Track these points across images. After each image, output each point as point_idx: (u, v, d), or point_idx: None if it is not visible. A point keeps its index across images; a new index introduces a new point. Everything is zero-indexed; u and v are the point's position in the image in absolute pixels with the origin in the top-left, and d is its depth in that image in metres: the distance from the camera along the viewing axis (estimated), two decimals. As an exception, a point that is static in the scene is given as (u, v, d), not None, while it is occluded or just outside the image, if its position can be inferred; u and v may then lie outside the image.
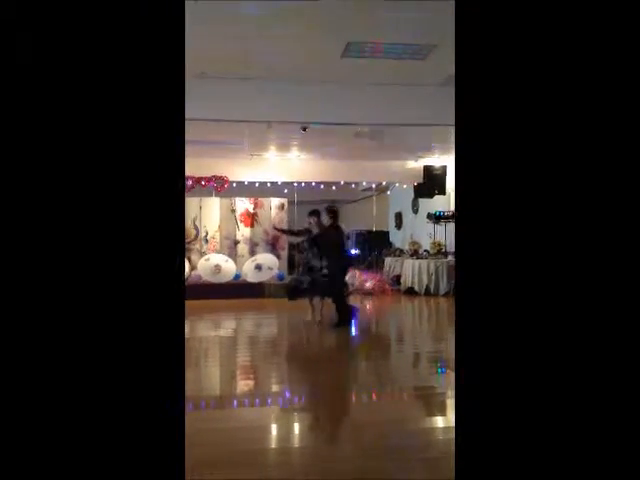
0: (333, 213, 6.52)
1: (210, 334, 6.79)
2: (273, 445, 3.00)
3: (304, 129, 7.09)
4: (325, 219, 6.51)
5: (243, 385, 4.48)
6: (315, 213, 6.52)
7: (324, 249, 6.33)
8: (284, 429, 3.25)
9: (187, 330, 7.14)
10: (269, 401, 3.79)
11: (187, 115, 6.30)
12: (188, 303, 7.80)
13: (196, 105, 6.39)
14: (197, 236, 10.11)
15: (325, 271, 6.28)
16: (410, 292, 9.86)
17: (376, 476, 2.49)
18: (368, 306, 8.84)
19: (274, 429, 3.26)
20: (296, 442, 3.06)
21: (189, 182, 9.97)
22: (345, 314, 6.35)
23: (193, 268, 9.70)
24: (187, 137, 6.83)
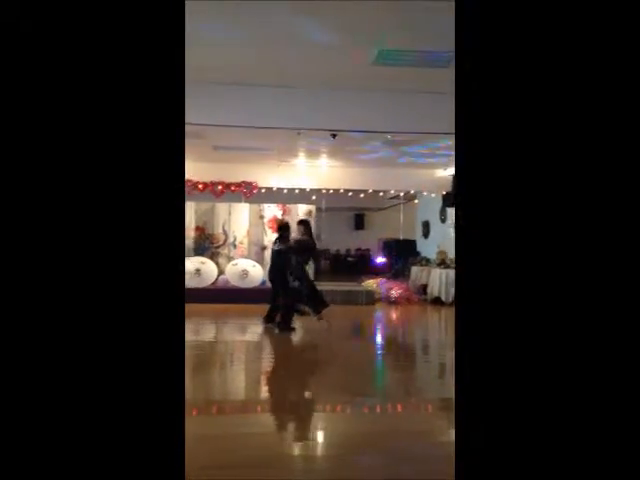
0: (305, 225, 6.92)
1: (236, 338, 6.83)
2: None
3: (334, 136, 7.11)
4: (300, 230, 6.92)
5: (265, 391, 4.48)
6: (304, 223, 7.04)
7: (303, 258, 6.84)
8: (309, 435, 3.24)
9: (213, 334, 7.20)
10: (288, 406, 3.79)
11: (218, 121, 6.39)
12: (216, 307, 7.93)
13: (227, 111, 6.48)
14: (226, 241, 10.22)
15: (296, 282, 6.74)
16: (437, 302, 9.75)
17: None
18: (394, 315, 8.77)
19: (299, 435, 3.26)
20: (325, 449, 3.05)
21: (219, 187, 10.09)
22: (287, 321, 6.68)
23: (221, 272, 9.79)
24: (218, 143, 6.93)
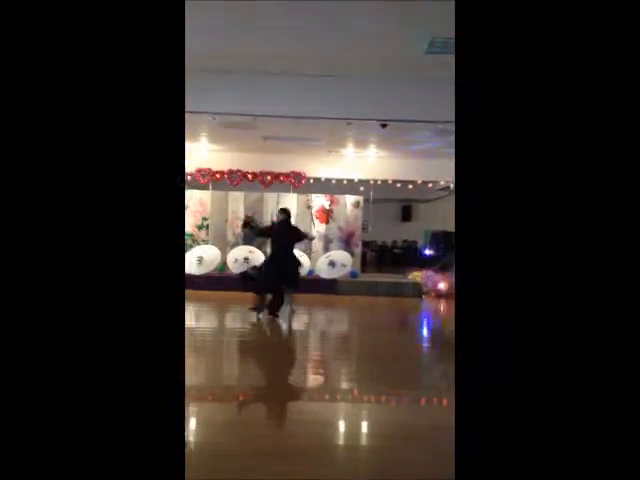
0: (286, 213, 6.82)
1: (284, 327, 6.92)
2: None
3: (383, 126, 7.04)
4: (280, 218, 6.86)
5: (313, 379, 4.53)
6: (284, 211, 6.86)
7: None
8: (354, 425, 3.26)
9: (258, 322, 7.31)
10: (338, 396, 3.81)
11: (268, 112, 6.42)
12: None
13: (277, 102, 6.53)
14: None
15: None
16: (486, 296, 9.52)
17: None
18: (440, 308, 8.65)
19: (344, 424, 3.28)
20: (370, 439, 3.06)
21: (268, 177, 10.20)
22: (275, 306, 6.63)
23: (268, 262, 9.91)
24: (268, 133, 6.99)
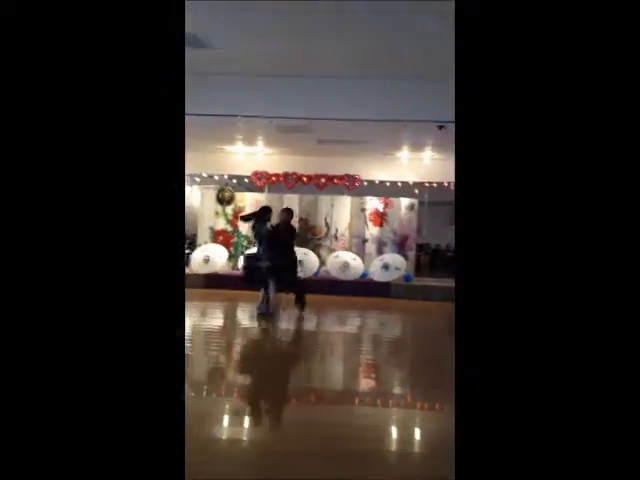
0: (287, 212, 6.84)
1: (335, 330, 6.93)
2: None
3: (440, 127, 6.93)
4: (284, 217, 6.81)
5: (364, 384, 4.51)
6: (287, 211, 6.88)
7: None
8: (403, 430, 3.22)
9: (313, 324, 7.35)
10: (391, 402, 3.78)
11: (322, 115, 6.43)
12: (318, 297, 8.04)
13: (333, 104, 6.56)
14: (327, 233, 10.37)
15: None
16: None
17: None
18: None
19: (394, 430, 3.24)
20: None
21: (322, 180, 10.25)
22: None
23: (322, 264, 9.97)
24: (323, 136, 7.01)
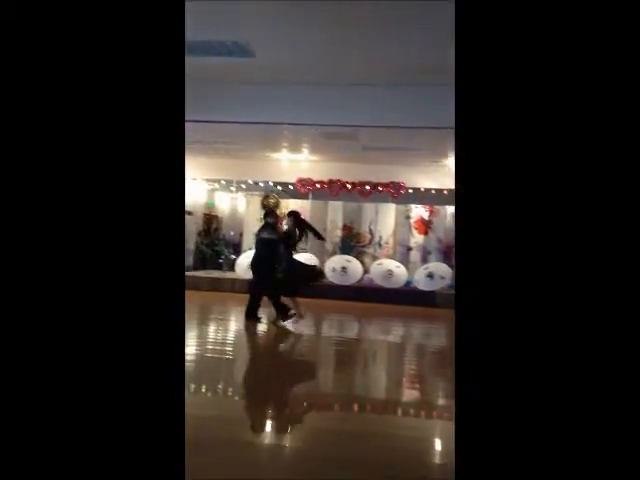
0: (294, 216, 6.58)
1: (378, 338, 6.87)
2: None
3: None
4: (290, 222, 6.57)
5: (408, 394, 4.44)
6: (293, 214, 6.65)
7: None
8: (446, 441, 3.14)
9: (355, 332, 7.30)
10: (434, 413, 3.70)
11: (368, 122, 6.39)
12: (360, 305, 7.97)
13: (378, 112, 6.53)
14: (371, 240, 10.32)
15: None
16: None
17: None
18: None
19: (439, 441, 3.18)
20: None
21: (367, 187, 10.21)
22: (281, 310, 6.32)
23: (366, 271, 9.92)
24: (369, 144, 6.96)
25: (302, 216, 6.74)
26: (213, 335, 5.92)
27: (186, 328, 5.61)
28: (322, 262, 9.92)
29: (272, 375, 4.60)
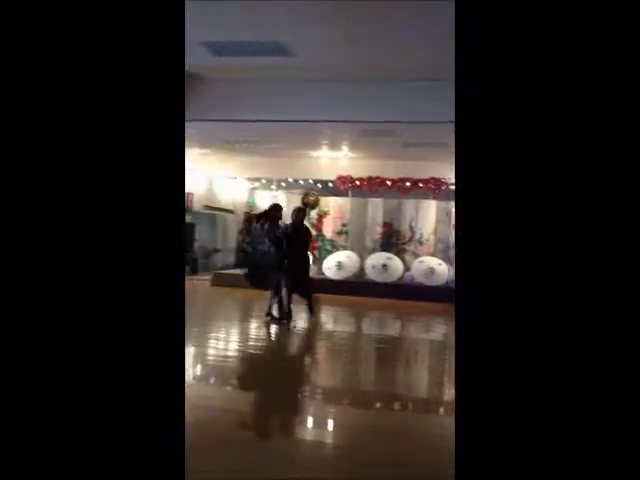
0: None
1: (421, 336, 6.80)
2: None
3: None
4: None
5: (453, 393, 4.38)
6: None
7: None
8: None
9: (397, 330, 7.25)
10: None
11: (408, 118, 6.33)
12: (401, 303, 7.88)
13: (420, 107, 6.45)
14: (412, 238, 10.21)
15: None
16: None
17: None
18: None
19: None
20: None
21: (407, 184, 10.11)
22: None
23: (407, 269, 9.83)
24: (409, 140, 6.87)
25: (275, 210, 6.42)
26: (255, 333, 5.99)
27: (229, 326, 5.70)
28: (362, 259, 9.90)
29: (318, 372, 4.62)
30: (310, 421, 3.32)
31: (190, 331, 5.80)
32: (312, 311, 6.37)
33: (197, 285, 10.46)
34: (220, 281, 10.09)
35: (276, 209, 6.30)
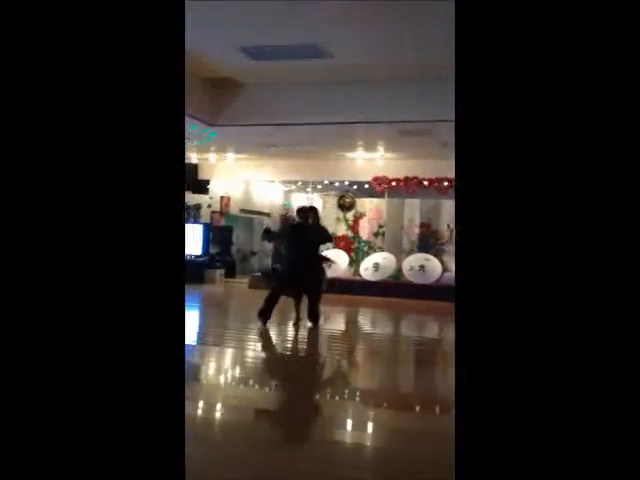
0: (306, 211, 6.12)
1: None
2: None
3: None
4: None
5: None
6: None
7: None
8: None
9: (435, 332, 7.15)
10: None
11: (446, 117, 6.25)
12: (440, 305, 7.77)
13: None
14: (450, 238, 10.07)
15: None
16: None
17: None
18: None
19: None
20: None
21: (445, 184, 9.97)
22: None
23: (446, 269, 9.69)
24: (448, 139, 6.77)
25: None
26: (292, 334, 6.01)
27: (268, 328, 5.73)
28: (400, 260, 9.82)
29: (358, 375, 4.61)
30: (356, 423, 3.30)
31: (227, 333, 5.89)
32: (314, 318, 5.92)
33: (235, 288, 10.58)
34: (257, 284, 10.18)
35: (295, 215, 6.16)
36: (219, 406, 3.47)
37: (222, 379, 4.28)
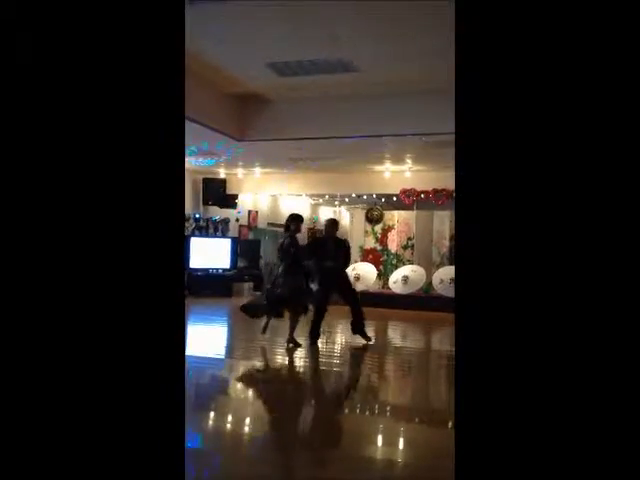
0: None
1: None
2: None
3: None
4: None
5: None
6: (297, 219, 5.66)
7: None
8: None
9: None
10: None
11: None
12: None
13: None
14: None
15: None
16: None
17: None
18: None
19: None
20: None
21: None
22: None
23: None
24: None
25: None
26: (320, 348, 5.97)
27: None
28: (429, 273, 9.69)
29: (386, 389, 4.55)
30: (380, 439, 3.24)
31: (252, 346, 5.88)
32: (313, 336, 5.69)
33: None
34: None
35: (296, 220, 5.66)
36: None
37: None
